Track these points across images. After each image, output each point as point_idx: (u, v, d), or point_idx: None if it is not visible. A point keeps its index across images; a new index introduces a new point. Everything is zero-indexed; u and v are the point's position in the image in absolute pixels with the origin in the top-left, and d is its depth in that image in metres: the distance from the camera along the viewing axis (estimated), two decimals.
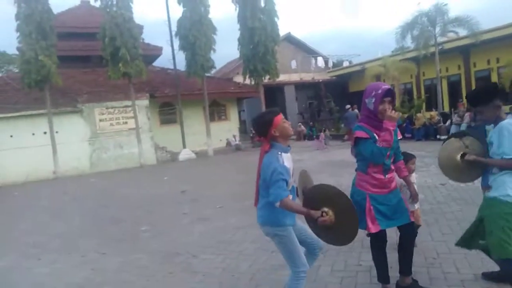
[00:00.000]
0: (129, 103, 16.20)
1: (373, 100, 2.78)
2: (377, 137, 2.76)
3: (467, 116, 14.46)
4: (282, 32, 21.20)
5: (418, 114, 16.75)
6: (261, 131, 2.59)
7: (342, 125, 21.16)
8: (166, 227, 6.07)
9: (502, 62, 17.09)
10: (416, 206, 3.86)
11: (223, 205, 7.19)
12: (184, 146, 17.82)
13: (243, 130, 24.93)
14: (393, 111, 2.77)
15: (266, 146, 2.57)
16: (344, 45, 65.92)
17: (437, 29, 16.91)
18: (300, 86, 28.09)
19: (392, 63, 19.49)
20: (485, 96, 2.70)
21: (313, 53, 29.02)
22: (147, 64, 18.11)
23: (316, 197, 2.60)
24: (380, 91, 2.77)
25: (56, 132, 14.92)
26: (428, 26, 16.85)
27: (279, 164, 2.47)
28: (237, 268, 4.05)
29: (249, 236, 5.11)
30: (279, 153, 2.52)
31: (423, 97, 21.63)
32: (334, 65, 29.87)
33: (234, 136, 21.26)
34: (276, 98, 27.35)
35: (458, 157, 2.88)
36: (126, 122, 16.52)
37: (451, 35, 18.39)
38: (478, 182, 3.04)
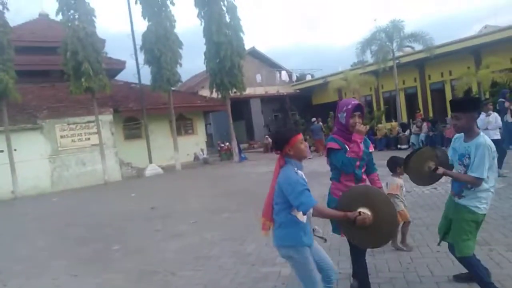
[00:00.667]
0: (92, 118, 15.70)
1: (345, 114, 3.01)
2: (348, 148, 2.94)
3: (425, 126, 15.27)
4: (247, 46, 21.52)
5: (380, 125, 17.49)
6: (277, 146, 2.59)
7: (308, 137, 21.59)
8: (139, 245, 5.91)
9: (455, 75, 18.27)
10: (402, 206, 4.21)
11: (196, 220, 7.11)
12: (150, 161, 17.46)
13: (210, 144, 24.82)
14: (362, 125, 2.97)
15: (281, 161, 2.58)
16: (306, 60, 67.89)
17: (394, 44, 17.85)
18: (265, 99, 28.49)
19: (353, 76, 20.27)
20: (469, 105, 2.89)
21: (277, 67, 29.62)
22: (110, 78, 17.69)
23: (348, 200, 2.62)
24: (350, 106, 3.01)
25: (15, 149, 14.13)
26: (386, 42, 17.75)
27: (299, 177, 2.49)
28: (218, 283, 4.02)
29: (227, 250, 5.10)
30: (295, 169, 2.53)
31: (382, 108, 22.59)
32: (298, 78, 30.62)
33: (202, 150, 21.11)
34: (242, 111, 27.55)
35: (427, 166, 3.02)
36: (88, 138, 15.97)
37: (408, 49, 19.46)
38: (440, 189, 3.25)
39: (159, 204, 9.31)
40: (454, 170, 3.04)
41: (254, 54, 28.69)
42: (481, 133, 2.89)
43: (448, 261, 3.64)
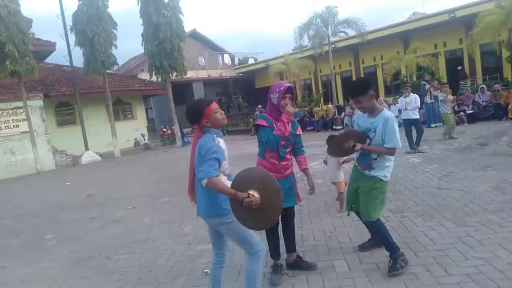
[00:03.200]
0: (20, 104, 14.60)
1: (277, 95, 3.19)
2: (275, 127, 3.15)
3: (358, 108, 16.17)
4: (188, 28, 21.09)
5: (316, 108, 18.23)
6: (193, 120, 2.60)
7: (251, 120, 21.88)
8: (75, 233, 5.78)
9: (385, 59, 19.45)
10: (341, 178, 4.92)
11: (134, 206, 7.06)
12: (87, 148, 16.72)
13: (152, 129, 24.23)
14: (291, 107, 3.17)
15: (199, 132, 2.61)
16: (249, 43, 67.78)
17: (330, 30, 18.53)
18: (208, 83, 28.25)
19: (293, 61, 20.78)
20: (363, 87, 3.17)
21: (220, 50, 29.39)
22: (39, 61, 16.48)
23: (243, 180, 2.53)
24: (282, 88, 3.19)
25: None
26: (322, 27, 18.36)
27: (215, 143, 2.51)
28: (154, 264, 4.12)
29: (165, 232, 5.18)
30: (214, 136, 2.57)
31: (320, 91, 23.50)
32: (240, 62, 30.67)
33: (143, 135, 20.58)
34: (184, 95, 27.10)
35: (347, 145, 3.22)
36: (17, 126, 14.88)
37: (342, 35, 20.30)
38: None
39: (96, 191, 9.05)
40: None
41: (196, 36, 28.18)
42: (384, 109, 3.23)
43: (365, 229, 4.04)
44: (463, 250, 3.38)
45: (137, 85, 21.14)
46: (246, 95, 28.40)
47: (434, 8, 41.82)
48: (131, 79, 22.23)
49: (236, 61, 30.42)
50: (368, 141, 3.20)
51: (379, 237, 3.34)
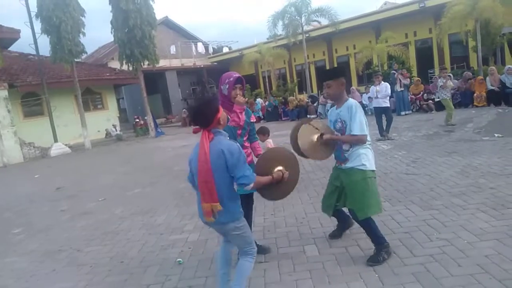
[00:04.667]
0: None
1: (227, 86, 3.20)
2: (229, 118, 3.12)
3: None
4: (159, 16, 20.61)
5: (291, 97, 18.33)
6: (206, 120, 2.38)
7: None
8: (44, 226, 5.62)
9: (358, 49, 19.70)
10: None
11: (105, 197, 6.93)
12: (56, 140, 16.20)
13: (124, 119, 23.71)
14: (241, 97, 3.20)
15: (210, 135, 2.40)
16: (223, 32, 66.95)
17: (303, 19, 18.57)
18: (182, 72, 27.81)
19: (267, 49, 20.75)
20: (337, 72, 3.25)
21: (193, 39, 28.91)
22: (3, 49, 15.73)
23: (268, 160, 2.81)
24: (232, 79, 3.19)
25: None
26: (296, 16, 18.36)
27: (238, 144, 2.45)
28: (126, 255, 4.07)
29: (137, 223, 5.12)
30: (227, 137, 2.48)
31: (295, 81, 23.60)
32: (215, 51, 30.31)
33: (114, 126, 20.13)
34: (157, 84, 26.62)
35: (315, 138, 3.23)
36: None
37: (315, 24, 20.38)
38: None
39: (65, 184, 8.82)
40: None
41: (168, 24, 27.58)
42: (349, 98, 3.28)
43: None
44: (427, 232, 3.51)
45: (107, 74, 20.57)
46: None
47: None
48: (101, 68, 21.59)
49: (211, 50, 30.04)
50: (336, 133, 3.21)
51: (370, 233, 3.18)
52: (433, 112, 12.77)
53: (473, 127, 8.92)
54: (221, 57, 28.66)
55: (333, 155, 3.32)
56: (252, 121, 3.41)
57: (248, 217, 3.35)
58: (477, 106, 12.11)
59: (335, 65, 22.24)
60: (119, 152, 14.69)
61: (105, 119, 20.33)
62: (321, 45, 22.20)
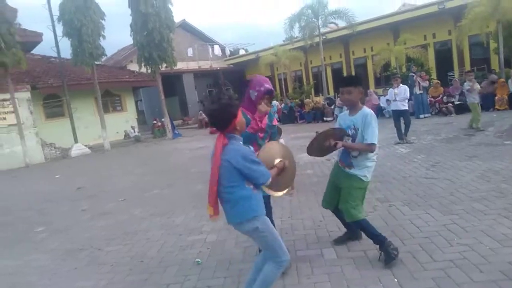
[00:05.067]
0: (7, 96, 14.37)
1: (256, 94, 3.21)
2: (250, 122, 3.17)
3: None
4: (177, 19, 20.88)
5: (307, 100, 18.28)
6: (223, 124, 2.41)
7: None
8: (65, 225, 5.76)
9: (375, 51, 19.52)
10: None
11: (125, 198, 7.05)
12: (76, 141, 16.58)
13: (142, 121, 24.07)
14: (264, 105, 3.21)
15: (224, 140, 2.41)
16: (240, 34, 67.33)
17: (320, 21, 18.51)
18: (198, 74, 28.09)
19: (283, 52, 20.76)
20: (358, 81, 3.31)
21: (210, 41, 29.18)
22: (26, 52, 16.20)
23: (269, 152, 2.85)
24: (262, 89, 3.19)
25: None
26: (312, 18, 18.32)
27: (250, 149, 2.49)
28: (145, 254, 4.14)
29: (155, 224, 5.20)
30: (241, 143, 2.51)
31: (311, 83, 23.51)
32: (231, 53, 30.51)
33: (133, 127, 20.46)
34: (175, 87, 26.94)
35: (328, 143, 3.23)
36: (4, 118, 14.67)
37: (332, 26, 20.29)
38: (332, 160, 3.62)
39: (86, 184, 9.01)
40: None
41: (185, 27, 27.91)
42: (364, 106, 3.28)
43: None
44: (448, 237, 3.46)
45: (127, 77, 20.94)
46: (237, 86, 28.31)
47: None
48: (120, 71, 22.00)
49: (227, 53, 30.26)
50: (348, 138, 3.24)
51: (366, 234, 3.31)
52: (452, 115, 12.55)
53: (494, 131, 8.73)
54: (238, 60, 28.82)
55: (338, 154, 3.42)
56: (274, 124, 3.44)
57: None
58: (498, 110, 11.85)
59: (352, 67, 22.12)
60: (137, 153, 14.93)
61: (124, 121, 20.68)
62: (338, 47, 22.07)
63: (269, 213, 3.42)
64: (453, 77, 15.70)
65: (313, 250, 3.59)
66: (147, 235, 4.79)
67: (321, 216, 4.46)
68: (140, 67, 18.00)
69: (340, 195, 3.34)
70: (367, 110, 3.23)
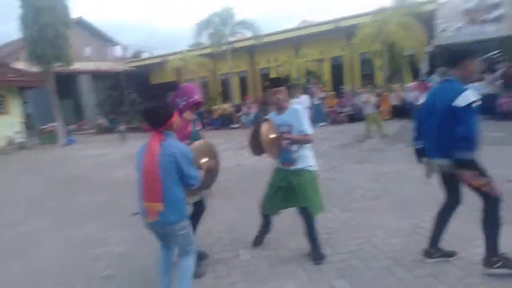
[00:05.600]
0: None
1: (184, 103, 3.19)
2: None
3: (254, 106, 16.89)
4: (73, 16, 19.26)
5: (215, 106, 18.47)
6: (160, 121, 2.50)
7: None
8: None
9: (279, 62, 20.59)
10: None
11: (15, 210, 6.27)
12: None
13: (29, 126, 21.49)
14: (190, 114, 3.23)
15: (161, 137, 2.50)
16: (142, 37, 64.79)
17: (228, 30, 18.90)
18: (97, 76, 26.21)
19: (191, 58, 20.64)
20: (285, 82, 3.53)
21: (110, 41, 27.50)
22: None
23: (197, 151, 2.87)
24: (191, 100, 3.18)
25: None
26: (221, 26, 18.62)
27: (187, 147, 2.56)
28: (44, 271, 3.75)
29: (55, 237, 4.74)
30: (176, 139, 2.56)
31: (219, 90, 23.79)
32: (134, 55, 29.19)
33: (18, 133, 18.16)
34: (69, 88, 24.68)
35: (273, 136, 3.32)
36: None
37: (240, 36, 20.86)
38: (257, 162, 3.78)
39: None
40: None
41: (82, 24, 25.84)
42: (291, 104, 3.52)
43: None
44: (348, 232, 3.87)
45: (12, 75, 18.52)
46: (140, 91, 27.13)
47: (321, 17, 45.76)
48: (4, 68, 19.36)
49: (129, 54, 28.87)
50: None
51: (312, 231, 3.33)
52: (345, 124, 13.88)
53: (381, 138, 9.91)
54: (141, 62, 27.70)
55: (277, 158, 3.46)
56: (197, 128, 3.44)
57: (198, 220, 3.41)
58: (383, 120, 13.46)
59: (258, 77, 23.01)
60: (23, 161, 13.31)
61: (8, 125, 18.23)
62: (244, 57, 22.75)
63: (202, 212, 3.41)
64: (344, 90, 17.39)
65: (228, 252, 3.68)
66: (44, 250, 4.34)
67: (234, 220, 4.58)
68: (30, 65, 16.11)
69: (290, 196, 3.34)
70: (296, 106, 3.47)
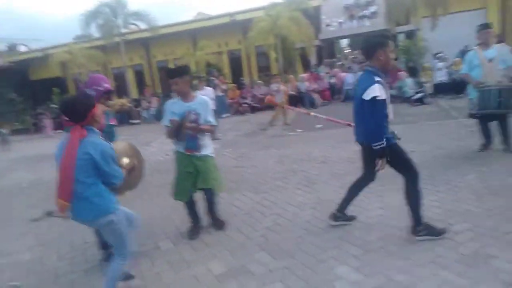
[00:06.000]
0: None
1: (94, 93, 3.07)
2: None
3: (155, 101, 16.42)
4: None
5: (111, 102, 17.38)
6: (78, 115, 2.36)
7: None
8: None
9: (177, 55, 20.22)
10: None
11: None
12: None
13: None
14: (102, 105, 3.18)
15: (83, 132, 2.37)
16: (17, 28, 57.17)
17: (120, 20, 17.86)
18: None
19: (79, 50, 19.03)
20: (182, 71, 3.51)
21: None
22: None
23: (119, 152, 2.76)
24: (101, 89, 3.18)
25: None
26: (111, 17, 17.50)
27: (109, 144, 2.45)
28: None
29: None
30: (100, 137, 2.43)
31: (113, 85, 22.41)
32: (9, 49, 25.70)
33: None
34: None
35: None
36: None
37: (133, 27, 19.90)
38: (171, 154, 3.78)
39: None
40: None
41: None
42: (199, 94, 3.67)
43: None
44: (262, 211, 4.16)
45: None
46: (19, 88, 24.06)
47: (217, 9, 46.01)
48: None
49: (2, 48, 25.31)
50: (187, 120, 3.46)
51: (214, 206, 3.80)
52: (247, 114, 14.40)
53: (281, 124, 10.56)
54: (19, 57, 24.52)
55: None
56: (112, 123, 3.40)
57: None
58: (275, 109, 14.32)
59: (155, 70, 22.30)
60: None
61: None
62: (139, 49, 21.76)
63: None
64: (244, 81, 17.95)
65: (149, 245, 3.66)
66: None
67: (150, 213, 4.52)
68: None
69: (198, 179, 3.57)
70: (204, 97, 3.64)
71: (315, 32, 15.94)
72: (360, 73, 3.46)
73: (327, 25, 16.88)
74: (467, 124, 6.38)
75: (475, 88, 4.98)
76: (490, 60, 4.90)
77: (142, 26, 18.82)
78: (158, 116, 15.61)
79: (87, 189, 2.38)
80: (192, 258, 3.29)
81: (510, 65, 4.93)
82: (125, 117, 16.23)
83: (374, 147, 2.90)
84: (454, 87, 11.06)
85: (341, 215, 3.48)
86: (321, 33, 16.73)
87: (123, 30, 18.53)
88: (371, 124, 2.90)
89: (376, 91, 2.82)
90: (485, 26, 5.10)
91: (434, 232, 3.03)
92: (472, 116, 5.28)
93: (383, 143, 2.88)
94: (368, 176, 3.33)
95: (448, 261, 2.71)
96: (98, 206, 2.43)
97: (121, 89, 21.55)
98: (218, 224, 3.82)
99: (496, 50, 4.97)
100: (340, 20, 16.64)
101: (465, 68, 5.24)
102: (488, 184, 4.03)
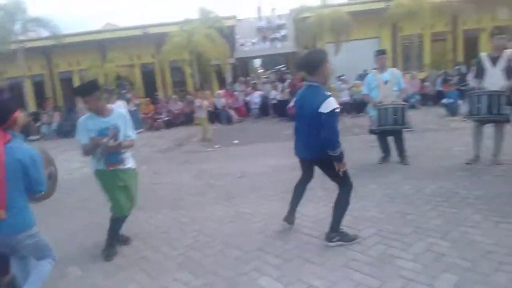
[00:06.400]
0: None
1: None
2: None
3: (57, 115, 15.09)
4: None
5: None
6: (1, 119, 2.24)
7: None
8: None
9: (83, 66, 18.92)
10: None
11: None
12: None
13: None
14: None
15: (7, 136, 2.23)
16: None
17: (18, 26, 16.16)
18: None
19: None
20: (90, 88, 3.29)
21: None
22: None
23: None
24: None
25: None
26: (7, 22, 15.75)
27: (36, 150, 2.26)
28: None
29: None
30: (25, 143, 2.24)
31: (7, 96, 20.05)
32: None
33: None
34: None
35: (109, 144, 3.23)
36: None
37: (33, 34, 18.15)
38: (87, 169, 3.58)
39: None
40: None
41: None
42: (115, 108, 3.48)
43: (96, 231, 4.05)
44: (181, 228, 4.05)
45: None
46: None
47: (125, 21, 44.26)
48: None
49: None
50: (107, 137, 3.27)
51: (117, 226, 3.59)
52: (162, 130, 13.99)
53: (197, 141, 10.49)
54: None
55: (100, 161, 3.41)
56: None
57: None
58: (198, 124, 14.21)
59: (57, 81, 20.57)
60: None
61: None
62: (40, 58, 19.89)
63: None
64: (159, 96, 17.48)
65: (56, 271, 3.29)
66: None
67: (56, 237, 4.09)
68: None
69: (131, 191, 3.55)
70: (121, 110, 3.54)
71: (230, 50, 16.32)
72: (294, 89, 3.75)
73: (241, 45, 17.44)
74: (368, 139, 7.05)
75: (374, 107, 5.58)
76: (386, 82, 5.55)
77: (44, 34, 17.29)
78: (60, 131, 14.34)
79: (13, 199, 2.23)
80: (104, 285, 3.05)
81: (401, 88, 5.67)
82: (23, 132, 14.56)
83: (334, 154, 3.03)
84: (355, 106, 12.19)
85: (293, 218, 3.65)
86: (235, 52, 17.18)
87: (22, 37, 16.80)
88: (329, 135, 2.98)
89: (334, 103, 2.96)
90: (381, 52, 5.78)
91: (347, 239, 3.26)
92: (372, 132, 5.90)
93: (341, 148, 3.03)
94: (306, 179, 3.56)
95: (359, 264, 2.94)
96: (23, 221, 2.32)
97: (17, 101, 19.39)
98: (110, 252, 3.52)
99: (390, 73, 5.65)
100: (254, 41, 17.33)
101: (365, 89, 5.86)
102: (387, 192, 4.49)
